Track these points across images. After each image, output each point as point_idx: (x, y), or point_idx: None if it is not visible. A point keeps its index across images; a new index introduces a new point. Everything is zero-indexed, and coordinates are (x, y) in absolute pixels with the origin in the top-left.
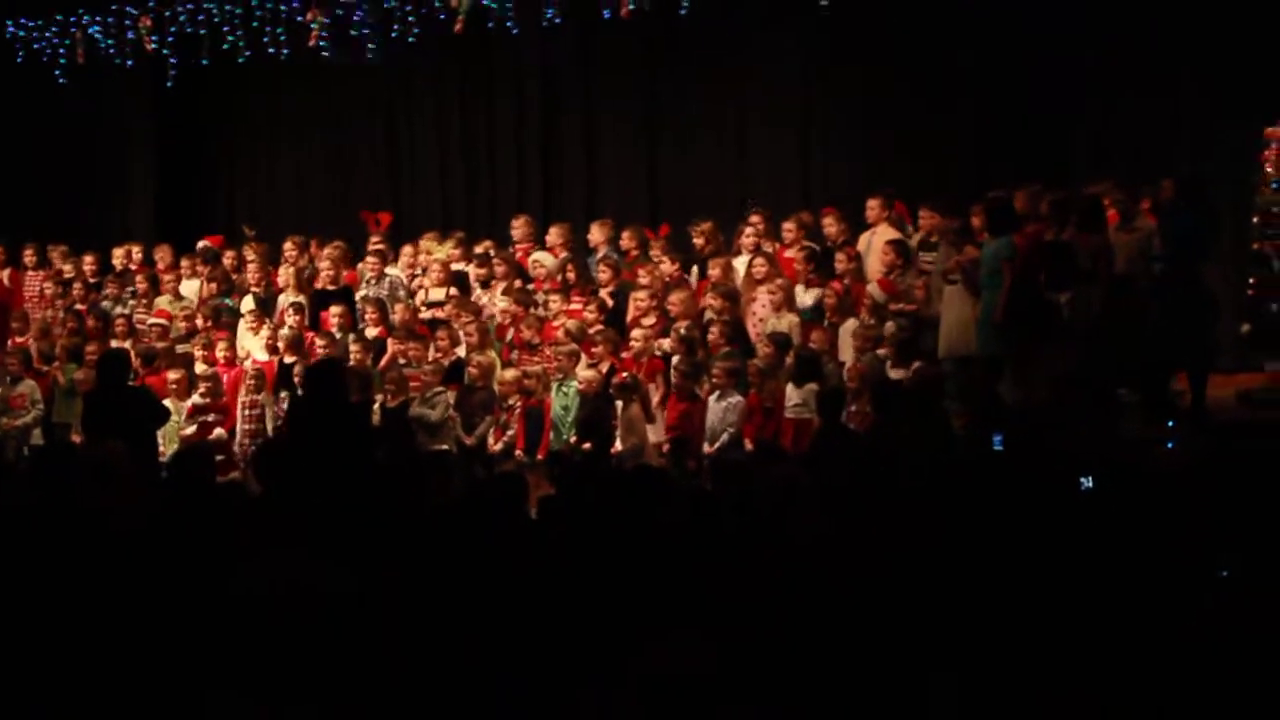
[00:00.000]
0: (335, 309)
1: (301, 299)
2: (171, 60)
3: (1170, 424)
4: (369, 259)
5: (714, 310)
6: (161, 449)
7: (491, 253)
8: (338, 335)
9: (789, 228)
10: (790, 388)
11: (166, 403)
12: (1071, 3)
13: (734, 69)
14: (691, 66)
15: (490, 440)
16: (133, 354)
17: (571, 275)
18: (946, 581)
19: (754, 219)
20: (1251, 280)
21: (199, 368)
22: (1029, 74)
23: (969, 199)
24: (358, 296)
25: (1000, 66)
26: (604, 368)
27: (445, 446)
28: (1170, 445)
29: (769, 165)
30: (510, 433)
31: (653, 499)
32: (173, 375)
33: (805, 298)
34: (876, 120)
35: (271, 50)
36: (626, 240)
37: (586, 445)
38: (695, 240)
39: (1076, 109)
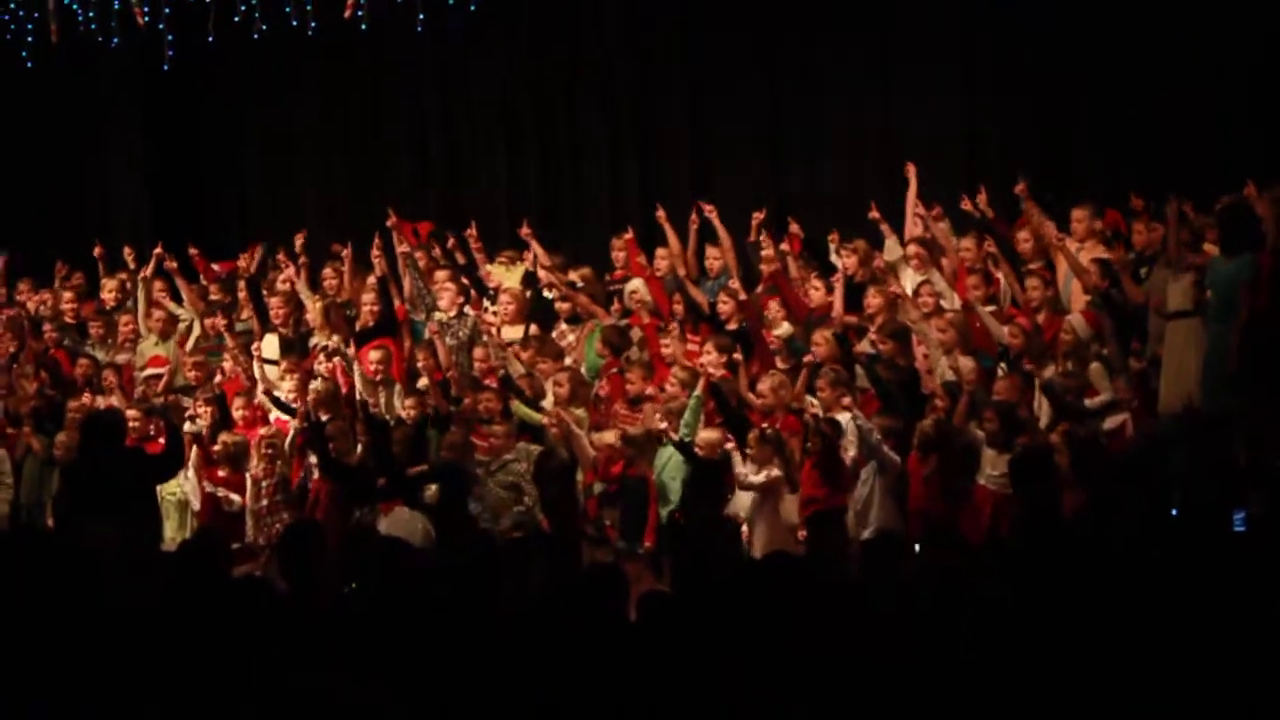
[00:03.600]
0: (376, 353)
1: (337, 340)
2: (169, 37)
3: None
4: (442, 286)
5: (886, 353)
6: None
7: (578, 281)
8: (380, 383)
9: (966, 246)
10: (990, 453)
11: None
12: None
13: (878, 32)
14: (826, 32)
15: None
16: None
17: (680, 309)
18: (1168, 702)
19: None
20: None
21: (195, 426)
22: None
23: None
24: (429, 333)
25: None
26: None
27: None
28: None
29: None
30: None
31: (786, 594)
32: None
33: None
34: (1063, 110)
35: (295, 23)
36: (765, 257)
37: (676, 514)
38: (844, 261)
39: None
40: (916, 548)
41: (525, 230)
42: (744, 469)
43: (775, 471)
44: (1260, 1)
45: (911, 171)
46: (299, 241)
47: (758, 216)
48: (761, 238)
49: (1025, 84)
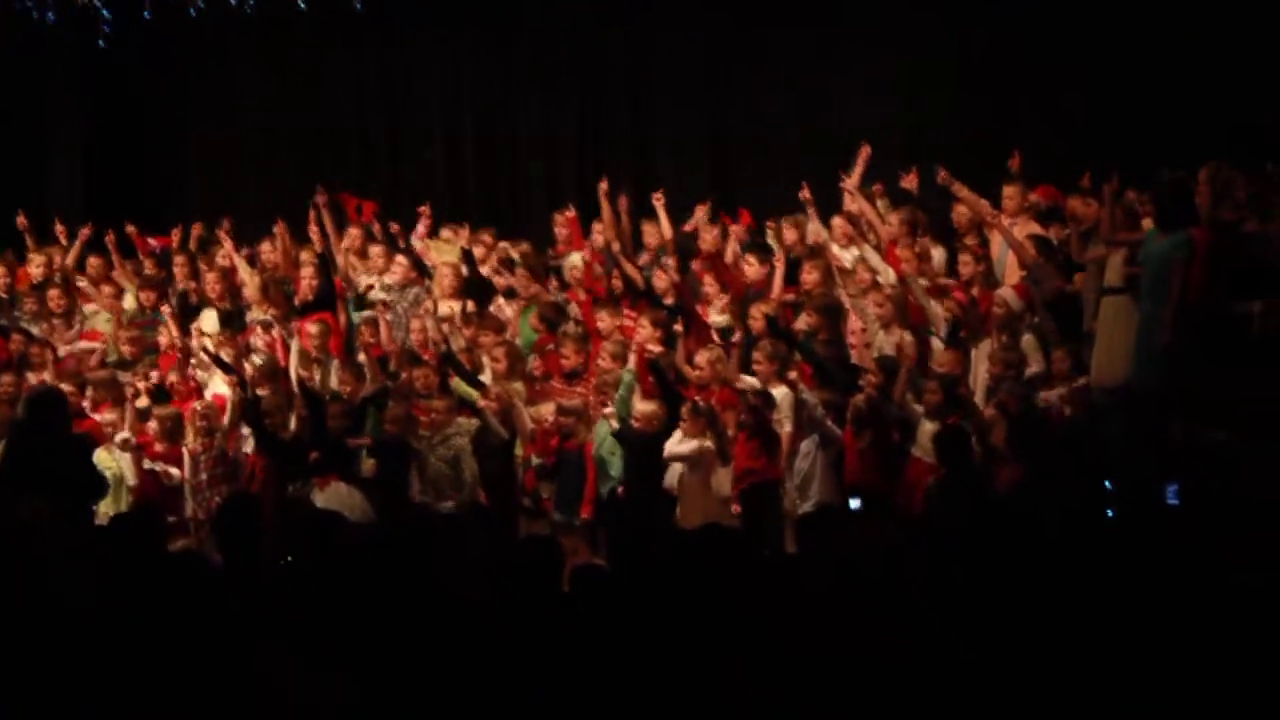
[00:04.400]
0: (313, 326)
1: (274, 314)
2: (104, 13)
3: None
4: (394, 261)
5: (810, 326)
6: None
7: (515, 257)
8: (320, 359)
9: (894, 221)
10: (929, 425)
11: (102, 453)
12: None
13: (816, 15)
14: (769, 19)
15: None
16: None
17: (619, 284)
18: (1106, 678)
19: (850, 202)
20: None
21: (142, 403)
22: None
23: (1131, 184)
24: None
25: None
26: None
27: (449, 503)
28: None
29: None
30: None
31: (722, 569)
32: (109, 415)
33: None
34: (1004, 85)
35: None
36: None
37: (619, 489)
38: (786, 234)
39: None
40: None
41: (657, 197)
42: (670, 441)
43: (705, 443)
44: None
45: (863, 154)
46: (225, 226)
47: (700, 212)
48: (699, 215)
49: (966, 67)
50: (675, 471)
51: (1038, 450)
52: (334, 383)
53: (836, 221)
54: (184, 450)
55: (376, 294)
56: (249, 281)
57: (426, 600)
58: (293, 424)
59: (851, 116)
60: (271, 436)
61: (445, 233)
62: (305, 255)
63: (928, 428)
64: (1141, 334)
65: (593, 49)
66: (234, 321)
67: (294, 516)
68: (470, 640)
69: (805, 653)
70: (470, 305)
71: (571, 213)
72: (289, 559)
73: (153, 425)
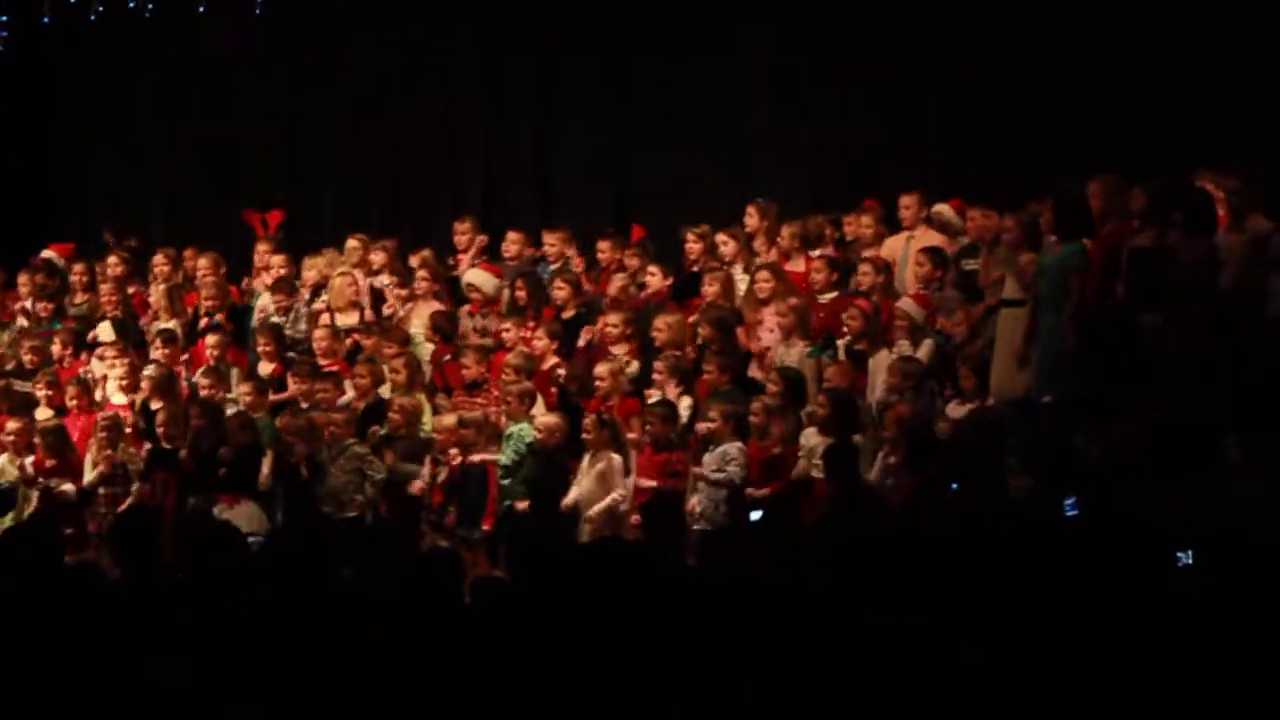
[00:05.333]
0: (213, 339)
1: (174, 326)
2: (1, 18)
3: None
4: (267, 271)
5: (704, 339)
6: None
7: (416, 266)
8: (220, 371)
9: (786, 235)
10: (813, 434)
11: (1, 460)
12: None
13: (723, 28)
14: (669, 17)
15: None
16: None
17: (522, 295)
18: (1007, 690)
19: (750, 212)
20: None
21: (42, 413)
22: (1105, 34)
23: (1030, 196)
24: (254, 321)
25: (1067, 22)
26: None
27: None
28: None
29: (770, 154)
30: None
31: (624, 581)
32: (11, 425)
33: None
34: (903, 97)
35: (132, 4)
36: (603, 252)
37: (522, 504)
38: (689, 247)
39: (1167, 80)
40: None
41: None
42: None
43: (616, 497)
44: None
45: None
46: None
47: (603, 248)
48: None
49: (870, 78)
50: (581, 485)
51: (934, 464)
52: (235, 395)
53: (762, 275)
54: (88, 460)
55: (267, 305)
56: (153, 292)
57: (325, 611)
58: (190, 437)
59: (754, 131)
60: (169, 449)
61: (351, 242)
62: (204, 264)
63: (816, 442)
64: (1044, 344)
65: (495, 64)
66: (130, 332)
67: (193, 530)
68: (369, 652)
69: (703, 665)
70: (369, 316)
71: (470, 222)
72: (186, 572)
73: (37, 439)
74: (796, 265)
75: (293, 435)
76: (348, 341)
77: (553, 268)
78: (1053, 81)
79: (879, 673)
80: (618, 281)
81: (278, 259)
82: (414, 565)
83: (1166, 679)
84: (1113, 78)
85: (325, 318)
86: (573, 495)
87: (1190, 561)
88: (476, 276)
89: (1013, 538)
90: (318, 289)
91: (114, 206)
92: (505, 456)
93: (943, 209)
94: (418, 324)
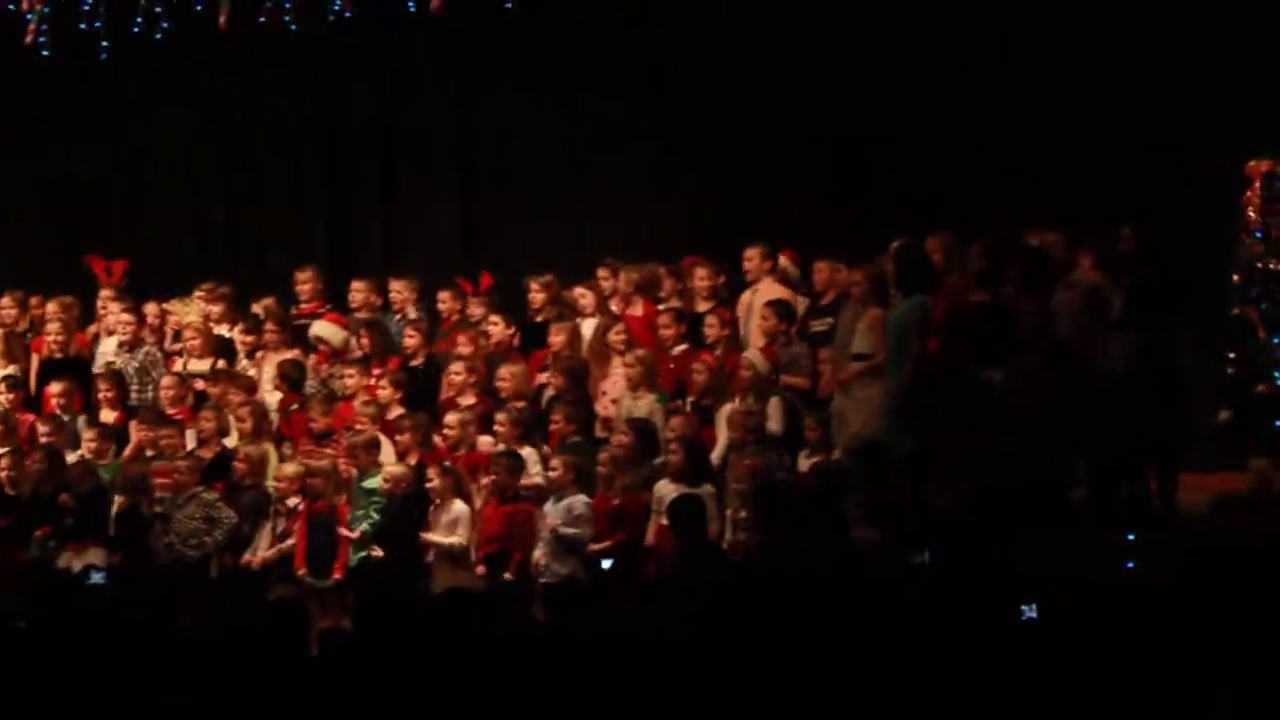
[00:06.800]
0: (57, 385)
1: (15, 370)
2: None
3: (1131, 536)
4: (118, 318)
5: (554, 389)
6: None
7: (262, 314)
8: (65, 419)
9: (627, 280)
10: (665, 485)
11: None
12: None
13: (570, 82)
14: (518, 77)
15: (263, 554)
16: None
17: (366, 343)
18: None
19: (603, 274)
20: (1231, 355)
21: None
22: (944, 91)
23: (873, 250)
24: (97, 368)
25: (905, 78)
26: (412, 461)
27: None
28: (1131, 564)
29: (615, 207)
30: (288, 543)
31: (470, 632)
32: None
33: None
34: (749, 152)
35: None
36: (443, 302)
37: (377, 551)
38: (533, 297)
39: (1005, 138)
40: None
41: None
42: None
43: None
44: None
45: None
46: None
47: (444, 298)
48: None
49: (715, 129)
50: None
51: (780, 517)
52: (82, 441)
53: (614, 328)
54: None
55: (107, 355)
56: None
57: (167, 658)
58: (31, 483)
59: (603, 176)
60: (9, 496)
61: (199, 291)
62: (52, 308)
63: (667, 491)
64: (889, 397)
65: (338, 100)
66: None
67: (33, 578)
68: (212, 699)
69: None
70: (220, 363)
71: (311, 272)
72: (23, 621)
73: None
74: (636, 310)
75: (125, 485)
76: (196, 387)
77: (397, 318)
78: (893, 135)
79: None
80: (466, 332)
81: (116, 306)
82: (258, 614)
83: None
84: (949, 133)
85: (176, 364)
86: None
87: (1033, 615)
88: (324, 329)
89: (858, 589)
90: (176, 334)
91: None
92: (356, 509)
93: (782, 262)
94: (268, 373)
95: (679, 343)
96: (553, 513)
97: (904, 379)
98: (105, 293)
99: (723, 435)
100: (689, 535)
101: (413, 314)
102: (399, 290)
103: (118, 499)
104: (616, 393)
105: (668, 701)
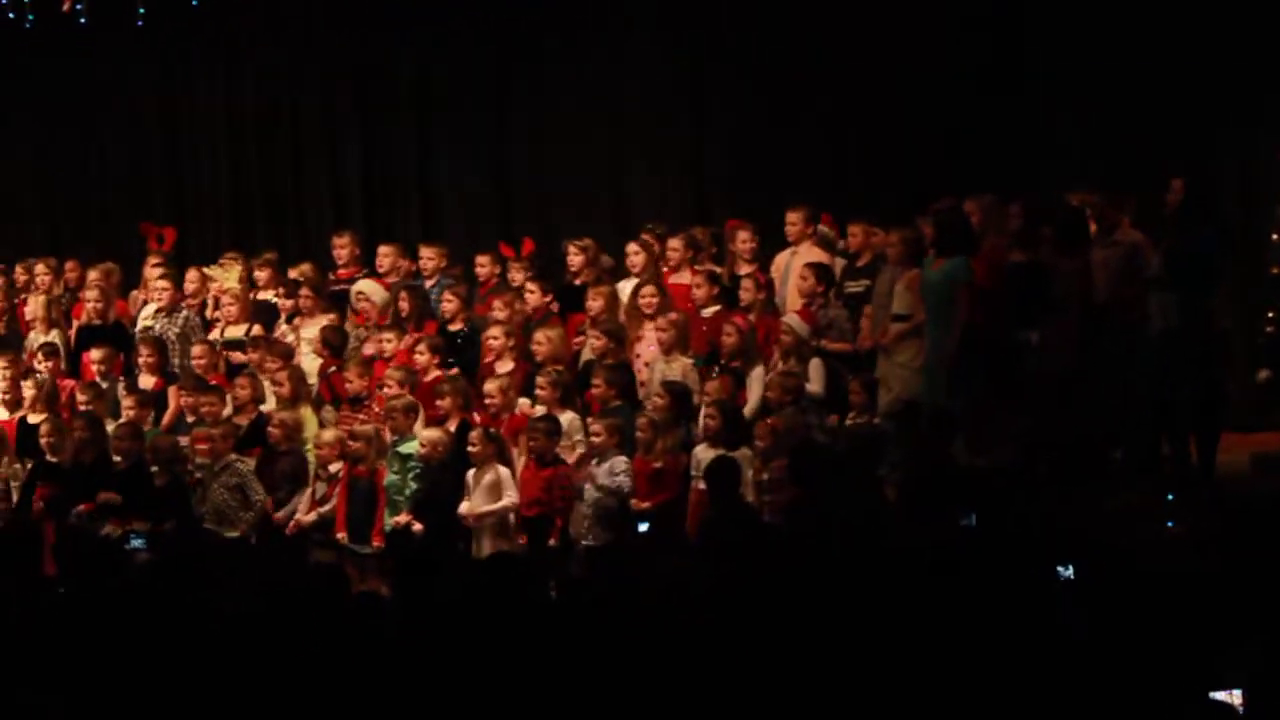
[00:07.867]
0: (97, 352)
1: (56, 338)
2: None
3: (1170, 496)
4: (155, 285)
5: (594, 352)
6: None
7: (302, 279)
8: (104, 385)
9: (675, 247)
10: (704, 449)
11: None
12: None
13: (605, 45)
14: (553, 39)
15: (301, 518)
16: None
17: (405, 307)
18: (885, 701)
19: (644, 236)
20: (1270, 314)
21: None
22: (979, 56)
23: (909, 213)
24: (138, 333)
25: (945, 46)
26: (452, 426)
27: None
28: (1170, 524)
29: (654, 170)
30: (328, 507)
31: (512, 596)
32: None
33: None
34: (786, 115)
35: (12, 15)
36: (481, 266)
37: (417, 526)
38: (571, 260)
39: (1043, 102)
40: None
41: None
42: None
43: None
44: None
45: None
46: None
47: (482, 262)
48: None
49: (751, 93)
50: (475, 500)
51: (817, 477)
52: (122, 407)
53: (646, 291)
54: None
55: (146, 321)
56: (32, 302)
57: (204, 628)
58: (72, 450)
59: (636, 146)
60: (51, 464)
61: (224, 259)
62: (93, 276)
63: (704, 454)
64: (930, 359)
65: (378, 78)
66: (12, 344)
67: (75, 545)
68: (248, 668)
69: (588, 682)
70: (257, 329)
71: (349, 237)
72: (66, 587)
73: None
74: (683, 278)
75: (156, 454)
76: (230, 356)
77: (428, 283)
78: (931, 102)
79: (762, 685)
80: (503, 296)
81: (155, 273)
82: (296, 581)
83: (1045, 692)
84: (990, 98)
85: (214, 331)
86: (464, 508)
87: (1070, 575)
88: (368, 286)
89: (891, 551)
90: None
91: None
92: (393, 475)
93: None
94: (307, 337)
95: (712, 304)
96: (596, 474)
97: (953, 343)
98: (153, 259)
99: (754, 397)
100: (724, 497)
101: (446, 280)
102: (429, 257)
103: (154, 469)
104: (649, 356)
105: (701, 665)
